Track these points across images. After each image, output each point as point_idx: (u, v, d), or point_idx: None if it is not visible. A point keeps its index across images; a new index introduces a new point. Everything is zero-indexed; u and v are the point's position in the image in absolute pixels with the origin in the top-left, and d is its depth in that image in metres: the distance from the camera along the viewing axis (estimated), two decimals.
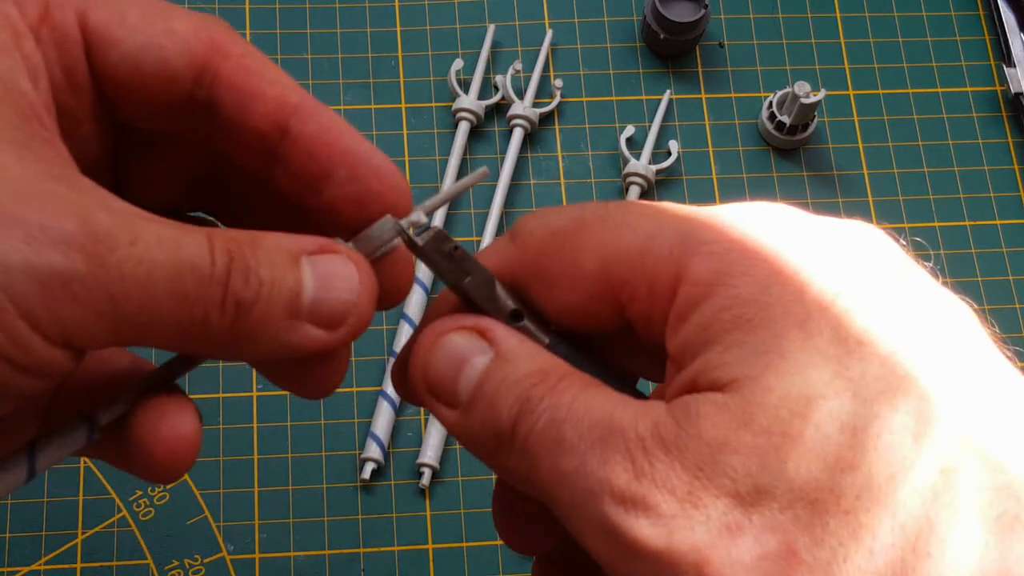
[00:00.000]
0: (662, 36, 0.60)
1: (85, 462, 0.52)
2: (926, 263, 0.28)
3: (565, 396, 0.26)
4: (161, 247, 0.25)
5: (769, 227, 0.28)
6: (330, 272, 0.27)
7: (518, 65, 0.59)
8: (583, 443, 0.25)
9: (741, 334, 0.25)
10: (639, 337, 0.28)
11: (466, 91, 0.59)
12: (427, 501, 0.53)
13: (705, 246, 0.26)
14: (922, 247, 0.58)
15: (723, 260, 0.26)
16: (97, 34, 0.28)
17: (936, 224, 0.59)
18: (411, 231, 0.28)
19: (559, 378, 0.27)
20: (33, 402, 0.29)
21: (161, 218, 0.25)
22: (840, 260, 0.28)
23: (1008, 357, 0.26)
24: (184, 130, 0.30)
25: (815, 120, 0.59)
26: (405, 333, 0.54)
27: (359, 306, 0.27)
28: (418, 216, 0.29)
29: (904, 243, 0.29)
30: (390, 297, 0.30)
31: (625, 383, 0.28)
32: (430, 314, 0.30)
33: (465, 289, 0.28)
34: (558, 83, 0.60)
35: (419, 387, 0.28)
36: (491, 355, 0.27)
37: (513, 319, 0.28)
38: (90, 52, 0.28)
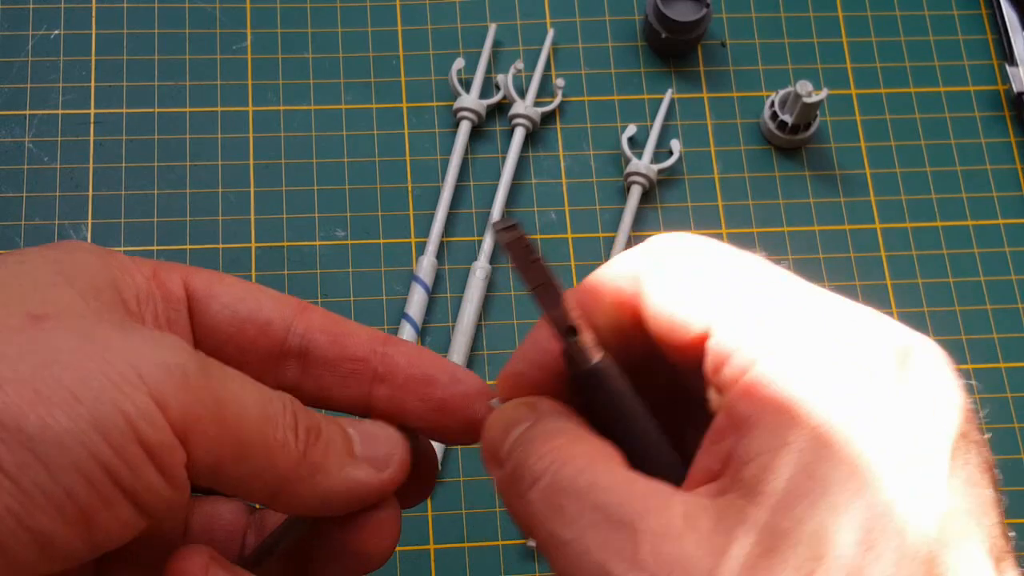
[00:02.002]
0: (664, 35, 0.60)
1: None
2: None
3: (570, 467, 0.27)
4: (245, 377, 0.29)
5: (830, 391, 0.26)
6: (370, 431, 0.32)
7: (519, 64, 0.59)
8: (583, 519, 0.26)
9: (796, 478, 0.25)
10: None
11: (467, 90, 0.59)
12: (428, 501, 0.53)
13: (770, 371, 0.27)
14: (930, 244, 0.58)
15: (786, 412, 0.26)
16: (200, 292, 0.32)
17: (938, 223, 0.59)
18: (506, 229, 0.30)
19: (572, 441, 0.28)
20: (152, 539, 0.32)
21: None
22: (893, 438, 0.26)
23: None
24: (275, 381, 0.33)
25: (817, 119, 0.59)
26: (407, 333, 0.54)
27: (398, 453, 0.32)
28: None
29: (969, 384, 0.28)
30: (417, 492, 0.34)
31: (660, 438, 0.29)
32: (529, 342, 0.32)
33: (536, 294, 0.29)
34: (559, 82, 0.60)
35: (482, 452, 0.31)
36: (532, 421, 0.30)
37: (568, 334, 0.29)
38: (192, 308, 0.32)
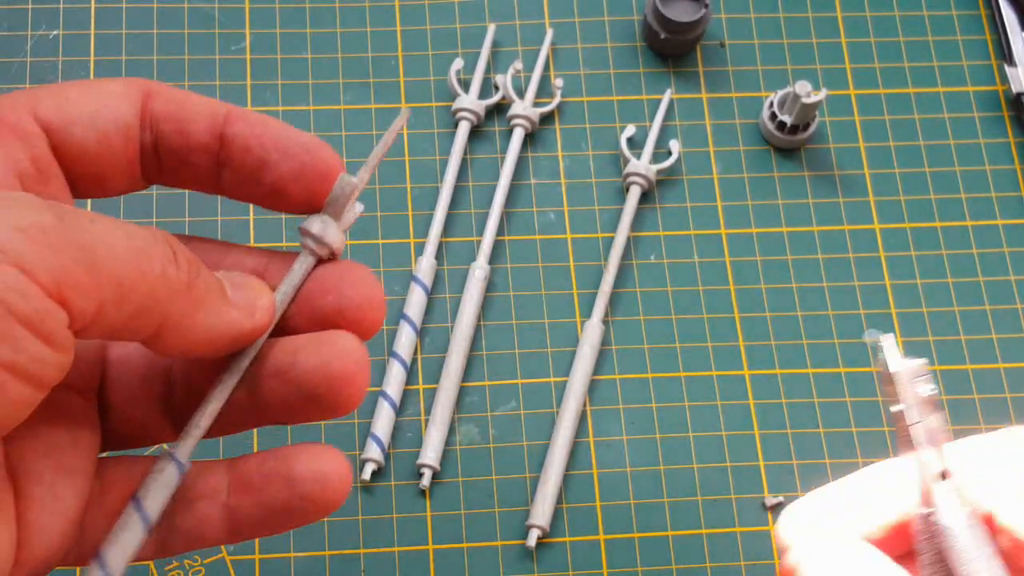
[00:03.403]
0: (663, 35, 0.60)
1: None
2: None
3: None
4: (105, 216, 0.27)
5: None
6: (233, 279, 0.31)
7: (518, 64, 0.59)
8: None
9: None
10: None
11: (466, 91, 0.59)
12: (427, 502, 0.53)
13: None
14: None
15: None
16: (53, 120, 0.31)
17: (937, 224, 0.59)
18: (899, 357, 0.30)
19: None
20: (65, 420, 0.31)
21: None
22: None
23: None
24: (140, 186, 0.33)
25: (816, 120, 0.59)
26: (405, 334, 0.54)
27: (264, 300, 0.31)
28: (365, 173, 0.33)
29: None
30: (362, 319, 0.32)
31: None
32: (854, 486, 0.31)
33: (917, 427, 0.29)
34: (558, 82, 0.60)
35: None
36: None
37: (941, 477, 0.29)
38: (51, 138, 0.31)
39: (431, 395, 0.54)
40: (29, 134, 0.30)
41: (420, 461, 0.53)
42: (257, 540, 0.51)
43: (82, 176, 0.32)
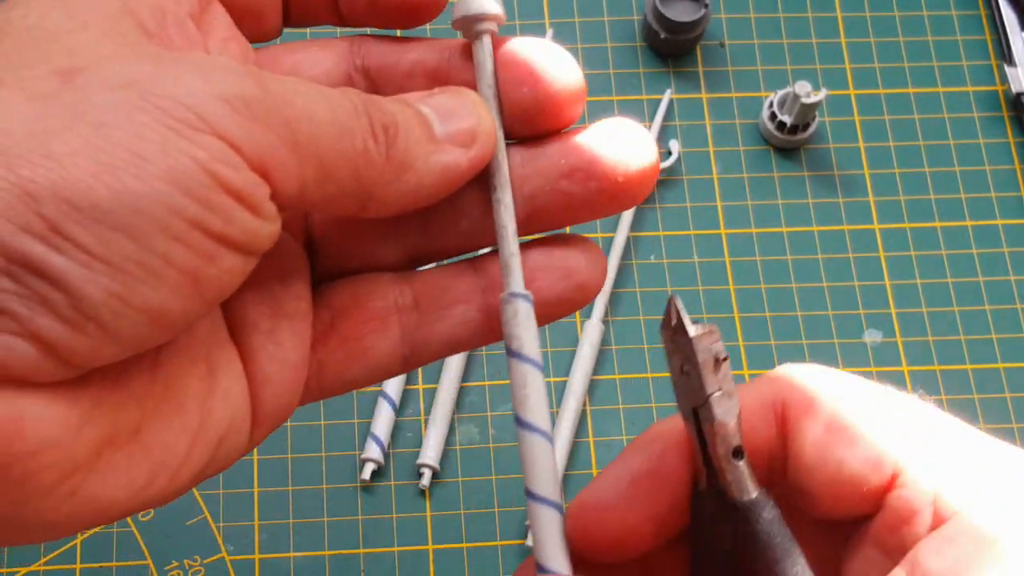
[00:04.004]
0: (662, 35, 0.60)
1: None
2: None
3: None
4: (307, 86, 0.26)
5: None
6: (444, 105, 0.29)
7: None
8: None
9: None
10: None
11: None
12: (427, 502, 0.53)
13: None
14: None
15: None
16: None
17: (937, 224, 0.59)
18: (687, 318, 0.27)
19: None
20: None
21: None
22: None
23: None
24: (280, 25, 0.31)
25: (816, 120, 0.59)
26: None
27: (482, 124, 0.29)
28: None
29: None
30: (563, 107, 0.31)
31: None
32: (636, 447, 0.29)
33: (710, 403, 0.26)
34: None
35: None
36: None
37: (736, 455, 0.26)
38: None
39: (431, 395, 0.54)
40: None
41: (420, 461, 0.53)
42: (257, 540, 0.51)
43: (240, 11, 0.30)
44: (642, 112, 0.60)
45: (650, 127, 0.59)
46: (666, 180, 0.59)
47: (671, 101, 0.60)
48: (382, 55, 0.32)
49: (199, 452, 0.27)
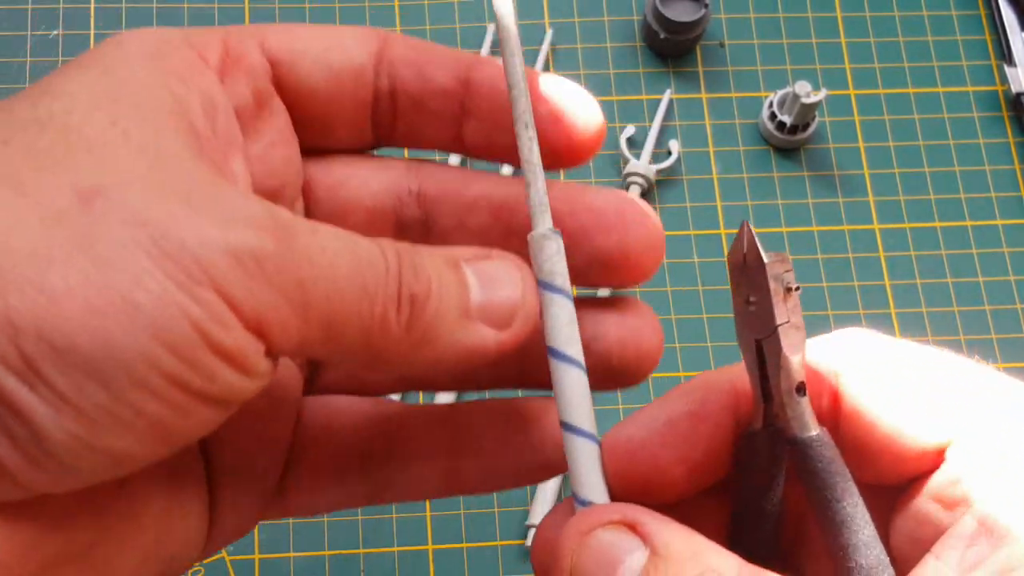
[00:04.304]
0: (662, 35, 0.60)
1: None
2: None
3: None
4: (339, 239, 0.25)
5: None
6: (491, 274, 0.27)
7: None
8: None
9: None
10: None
11: None
12: (427, 502, 0.53)
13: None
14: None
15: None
16: (282, 53, 0.28)
17: (937, 224, 0.59)
18: (760, 244, 0.26)
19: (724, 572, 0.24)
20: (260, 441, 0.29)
21: None
22: None
23: None
24: (370, 141, 0.30)
25: (816, 120, 0.59)
26: None
27: (525, 304, 0.27)
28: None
29: None
30: (643, 262, 0.29)
31: (873, 533, 0.26)
32: (678, 390, 0.28)
33: (776, 337, 0.26)
34: None
35: None
36: (646, 552, 0.25)
37: (799, 391, 0.26)
38: (277, 72, 0.28)
39: (431, 394, 0.54)
40: (255, 66, 0.28)
41: None
42: (257, 540, 0.51)
43: (307, 118, 0.29)
44: (642, 112, 0.60)
45: (650, 127, 0.59)
46: (666, 180, 0.59)
47: (671, 101, 0.60)
48: (443, 182, 0.31)
49: (148, 569, 0.26)
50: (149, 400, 0.22)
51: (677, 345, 0.56)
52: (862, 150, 0.60)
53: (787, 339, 0.25)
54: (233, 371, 0.23)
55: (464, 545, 0.52)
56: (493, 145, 0.30)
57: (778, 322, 0.25)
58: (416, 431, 0.30)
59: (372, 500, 0.31)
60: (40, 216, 0.22)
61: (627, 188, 0.58)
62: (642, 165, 0.58)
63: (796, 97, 0.57)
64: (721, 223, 0.58)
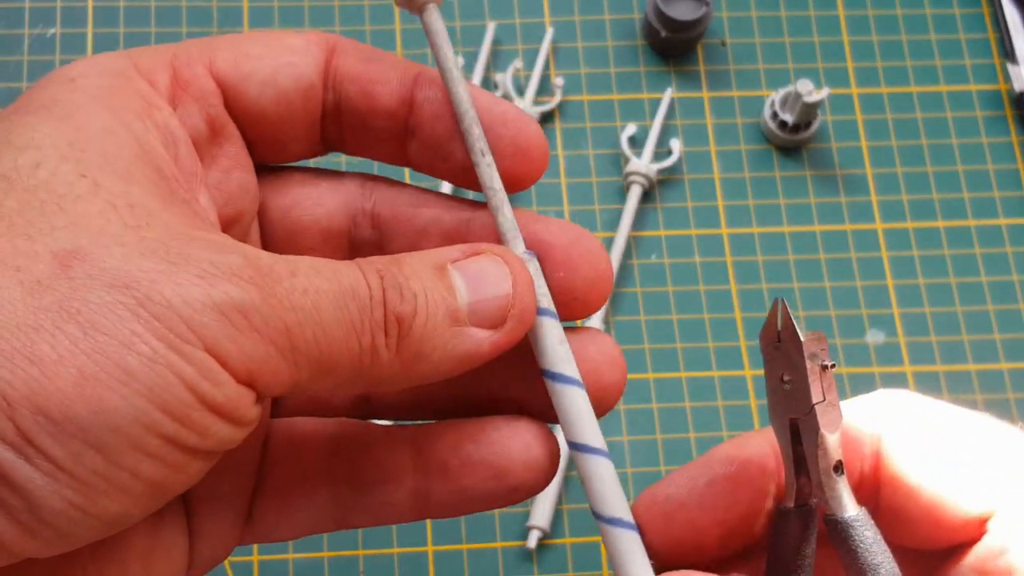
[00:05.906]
0: (664, 34, 0.59)
1: None
2: None
3: None
4: (320, 275, 0.25)
5: None
6: (479, 272, 0.27)
7: (518, 63, 0.59)
8: None
9: None
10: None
11: None
12: None
13: None
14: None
15: None
16: (230, 76, 0.28)
17: (940, 223, 0.59)
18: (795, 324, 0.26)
19: None
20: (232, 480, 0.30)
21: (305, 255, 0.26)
22: None
23: None
24: (322, 150, 0.31)
25: (818, 119, 0.59)
26: None
27: (518, 299, 0.27)
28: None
29: None
30: (591, 297, 0.29)
31: None
32: (719, 451, 0.28)
33: (814, 416, 0.26)
34: (559, 81, 0.59)
35: None
36: None
37: (837, 470, 0.26)
38: (227, 95, 0.28)
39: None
40: (205, 92, 0.28)
41: None
42: None
43: (260, 138, 0.29)
44: (643, 111, 0.60)
45: (651, 126, 0.59)
46: (667, 180, 0.59)
47: (672, 100, 0.60)
48: (396, 206, 0.31)
49: None
50: (145, 461, 0.23)
51: (678, 345, 0.56)
52: (864, 149, 0.60)
53: (824, 417, 0.26)
54: (225, 423, 0.24)
55: (464, 546, 0.52)
56: (435, 166, 0.30)
57: (815, 401, 0.26)
58: (380, 452, 0.30)
59: (341, 524, 0.31)
60: (20, 283, 0.22)
61: (628, 187, 0.58)
62: (643, 164, 0.58)
63: (798, 96, 0.57)
64: (723, 223, 0.58)
